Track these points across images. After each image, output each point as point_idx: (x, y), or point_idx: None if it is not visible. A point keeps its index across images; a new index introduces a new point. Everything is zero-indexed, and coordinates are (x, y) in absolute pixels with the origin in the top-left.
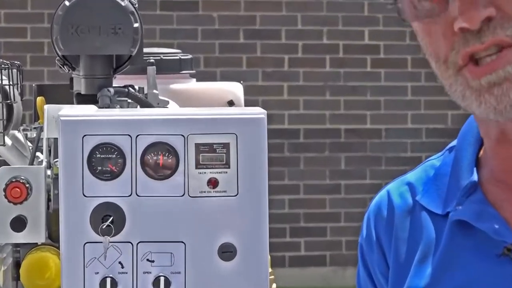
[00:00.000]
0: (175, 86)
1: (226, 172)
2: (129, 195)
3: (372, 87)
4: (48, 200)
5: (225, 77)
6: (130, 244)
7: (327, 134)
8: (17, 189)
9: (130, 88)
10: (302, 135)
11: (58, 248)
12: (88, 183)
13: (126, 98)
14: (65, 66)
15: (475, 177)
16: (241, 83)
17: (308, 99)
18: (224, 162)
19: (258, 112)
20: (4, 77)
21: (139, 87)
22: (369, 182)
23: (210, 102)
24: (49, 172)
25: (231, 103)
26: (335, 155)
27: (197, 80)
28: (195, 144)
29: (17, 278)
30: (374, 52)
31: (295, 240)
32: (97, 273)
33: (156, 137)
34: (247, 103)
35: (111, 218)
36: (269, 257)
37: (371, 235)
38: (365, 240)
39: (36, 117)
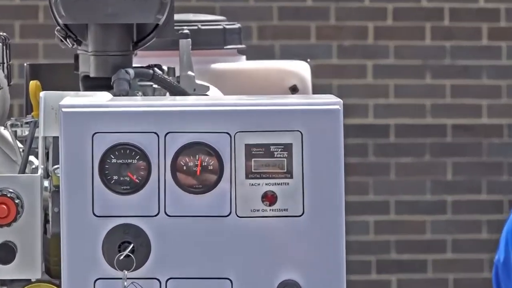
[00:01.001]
0: (218, 66)
1: (288, 184)
2: (156, 215)
3: (490, 67)
4: (46, 221)
5: (287, 54)
6: (157, 281)
7: (428, 132)
8: (4, 206)
9: (157, 69)
10: (393, 133)
11: (59, 286)
12: (100, 198)
13: (150, 83)
14: (68, 39)
15: None
16: (308, 61)
17: (402, 84)
18: (285, 170)
19: (332, 101)
20: None
21: (168, 68)
22: (486, 198)
23: (266, 88)
24: (46, 183)
25: (294, 89)
26: (439, 161)
27: (247, 58)
28: (246, 145)
29: None
30: (492, 18)
31: (384, 278)
32: None
33: (192, 136)
34: (317, 89)
35: (131, 246)
36: None
37: (510, 259)
38: (502, 264)
39: (29, 108)
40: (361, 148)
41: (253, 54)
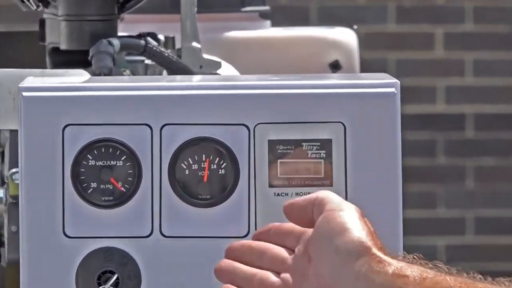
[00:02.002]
0: (233, 35)
1: None
2: (148, 235)
3: None
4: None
5: (325, 19)
6: None
7: None
8: None
9: (150, 40)
10: (470, 125)
11: None
12: (74, 213)
13: (142, 58)
14: None
15: None
16: (354, 28)
17: (483, 58)
18: (322, 176)
19: (385, 82)
20: None
21: (166, 37)
22: None
23: (297, 64)
24: (0, 193)
25: (335, 66)
26: None
27: (273, 24)
28: (269, 141)
29: None
30: None
31: None
32: None
33: (197, 130)
34: (366, 66)
35: (114, 278)
36: None
37: None
38: None
39: None
40: (427, 145)
41: (281, 18)
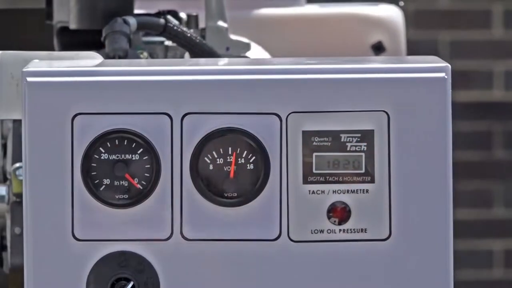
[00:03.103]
0: (264, 12)
1: (367, 191)
2: (168, 238)
3: None
4: (1, 248)
5: None
6: None
7: None
8: None
9: (171, 18)
10: None
11: None
12: (84, 213)
13: (161, 38)
14: None
15: None
16: (400, 5)
17: None
18: (363, 171)
19: (435, 66)
20: None
21: (189, 16)
22: None
23: (336, 46)
24: (2, 190)
25: (379, 48)
26: None
27: (309, 1)
28: (303, 133)
29: None
30: None
31: None
32: None
33: (223, 120)
34: (414, 48)
35: (130, 285)
36: None
37: None
38: None
39: None
40: (483, 137)
41: None
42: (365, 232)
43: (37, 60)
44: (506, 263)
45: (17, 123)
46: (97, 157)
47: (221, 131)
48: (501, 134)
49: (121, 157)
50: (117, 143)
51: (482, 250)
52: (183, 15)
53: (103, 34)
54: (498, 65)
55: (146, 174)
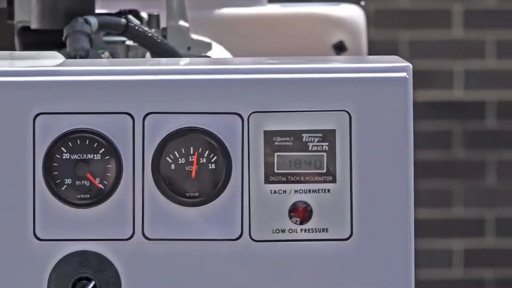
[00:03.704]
0: (226, 12)
1: (329, 191)
2: (129, 238)
3: None
4: None
5: None
6: None
7: None
8: None
9: (132, 18)
10: (492, 113)
11: None
12: (46, 213)
13: (122, 38)
14: None
15: None
16: (361, 4)
17: (507, 39)
18: (325, 171)
19: (396, 66)
20: None
21: (150, 15)
22: None
23: (298, 46)
24: None
25: (340, 48)
26: None
27: (270, 0)
28: (265, 132)
29: None
30: None
31: None
32: None
33: (185, 119)
34: (375, 47)
35: (91, 285)
36: None
37: None
38: None
39: None
40: (443, 137)
41: None
42: (327, 231)
43: None
44: (466, 263)
45: None
46: (58, 156)
47: (183, 131)
48: (461, 133)
49: (82, 156)
50: (78, 142)
51: (441, 250)
52: (144, 14)
53: (64, 34)
54: (458, 64)
55: (107, 174)
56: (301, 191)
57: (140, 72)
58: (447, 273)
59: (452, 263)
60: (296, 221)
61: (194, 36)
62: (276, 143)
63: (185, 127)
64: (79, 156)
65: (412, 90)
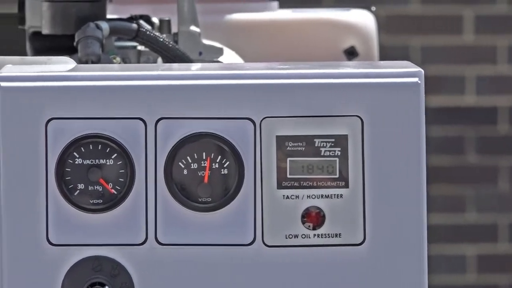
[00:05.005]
0: (237, 17)
1: (341, 196)
2: (142, 243)
3: None
4: None
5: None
6: None
7: None
8: None
9: (143, 23)
10: (505, 118)
11: None
12: (58, 218)
13: (134, 43)
14: None
15: None
16: (372, 10)
17: None
18: (337, 176)
19: (408, 71)
20: None
21: (161, 20)
22: None
23: (309, 51)
24: None
25: (351, 53)
26: None
27: (282, 6)
28: (277, 137)
29: None
30: None
31: None
32: None
33: (197, 124)
34: (386, 53)
35: None
36: None
37: None
38: None
39: None
40: (455, 142)
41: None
42: (340, 237)
43: (9, 65)
44: (479, 268)
45: None
46: (71, 162)
47: (195, 136)
48: (473, 139)
49: (95, 162)
50: (91, 148)
51: (454, 255)
52: (155, 20)
53: (76, 39)
54: (470, 70)
55: (120, 179)
56: (313, 196)
57: (152, 77)
58: (460, 279)
59: (466, 268)
60: (309, 226)
61: (206, 41)
62: (288, 148)
63: (197, 132)
64: (91, 161)
65: (424, 95)
